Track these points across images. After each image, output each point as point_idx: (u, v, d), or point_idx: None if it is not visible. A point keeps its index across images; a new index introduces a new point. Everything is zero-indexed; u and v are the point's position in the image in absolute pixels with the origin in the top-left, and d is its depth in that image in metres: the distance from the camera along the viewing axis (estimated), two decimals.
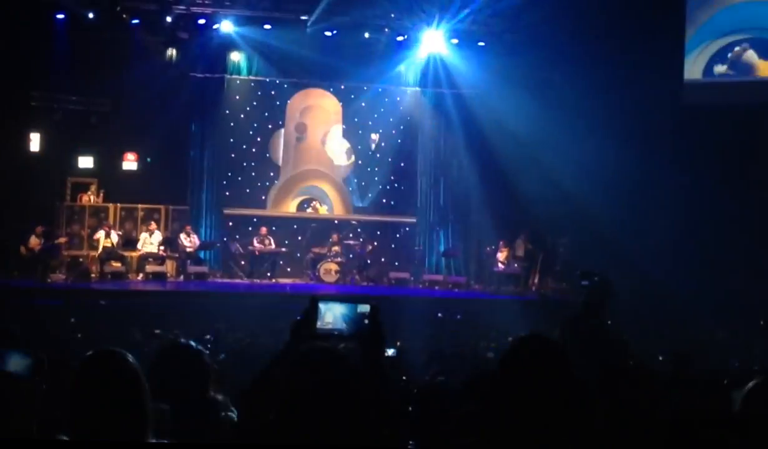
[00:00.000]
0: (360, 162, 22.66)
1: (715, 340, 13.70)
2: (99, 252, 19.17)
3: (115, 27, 19.84)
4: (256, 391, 3.32)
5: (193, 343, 4.19)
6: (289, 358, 2.97)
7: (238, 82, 21.74)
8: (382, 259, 22.04)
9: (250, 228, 21.40)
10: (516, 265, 20.19)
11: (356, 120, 22.60)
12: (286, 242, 21.42)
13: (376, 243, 21.72)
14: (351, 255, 20.93)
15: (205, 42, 20.63)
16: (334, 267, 20.38)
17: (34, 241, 18.21)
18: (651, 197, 18.51)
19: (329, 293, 17.44)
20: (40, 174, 20.15)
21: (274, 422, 2.83)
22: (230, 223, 21.76)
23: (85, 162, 20.75)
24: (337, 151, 22.68)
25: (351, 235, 21.38)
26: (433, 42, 21.23)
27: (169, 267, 19.90)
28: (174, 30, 20.18)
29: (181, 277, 19.73)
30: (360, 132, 22.67)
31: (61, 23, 19.55)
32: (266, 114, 22.14)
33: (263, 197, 22.24)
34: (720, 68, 19.30)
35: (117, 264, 19.18)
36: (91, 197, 20.49)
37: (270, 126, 22.25)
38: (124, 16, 19.68)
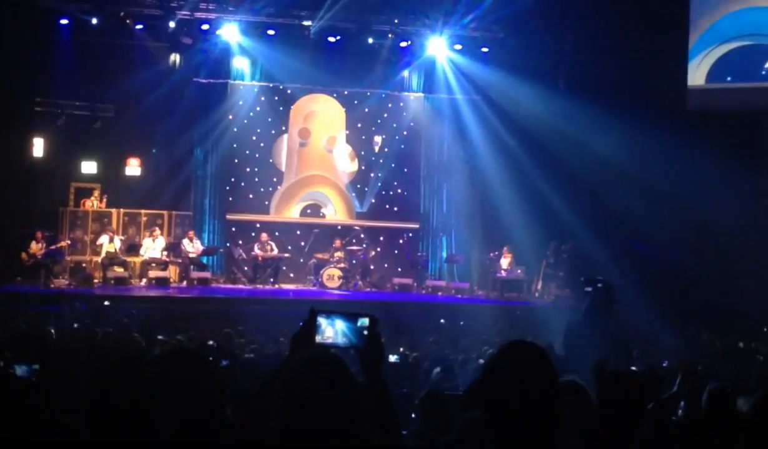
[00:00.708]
0: (363, 167, 22.66)
1: (715, 347, 13.67)
2: (102, 257, 19.17)
3: (119, 33, 19.90)
4: (257, 401, 3.32)
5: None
6: (289, 365, 2.96)
7: (241, 87, 21.75)
8: (385, 265, 22.04)
9: (253, 234, 21.39)
10: (519, 271, 20.18)
11: (360, 126, 22.61)
12: (289, 247, 21.43)
13: (379, 249, 21.70)
14: (354, 261, 20.91)
15: (208, 47, 20.67)
16: (337, 273, 20.35)
17: (35, 247, 18.22)
18: (655, 202, 18.47)
19: (328, 307, 17.37)
20: (44, 179, 20.20)
21: (273, 429, 2.82)
22: (233, 229, 21.77)
23: (89, 167, 20.80)
24: (343, 157, 22.68)
25: (354, 241, 21.36)
26: (437, 48, 21.24)
27: (172, 272, 19.89)
28: (177, 35, 20.21)
29: (184, 283, 19.72)
30: (363, 138, 22.68)
31: (64, 29, 19.59)
32: (269, 119, 22.15)
33: (266, 202, 22.25)
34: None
35: (120, 270, 19.17)
36: (94, 202, 20.50)
37: (273, 131, 22.26)
38: (128, 21, 19.73)
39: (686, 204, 17.84)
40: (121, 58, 20.15)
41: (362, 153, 22.70)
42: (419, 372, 9.06)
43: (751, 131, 19.03)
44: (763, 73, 18.88)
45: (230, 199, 21.83)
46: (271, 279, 20.25)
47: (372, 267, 21.31)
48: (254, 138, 22.04)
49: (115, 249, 19.18)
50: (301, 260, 21.45)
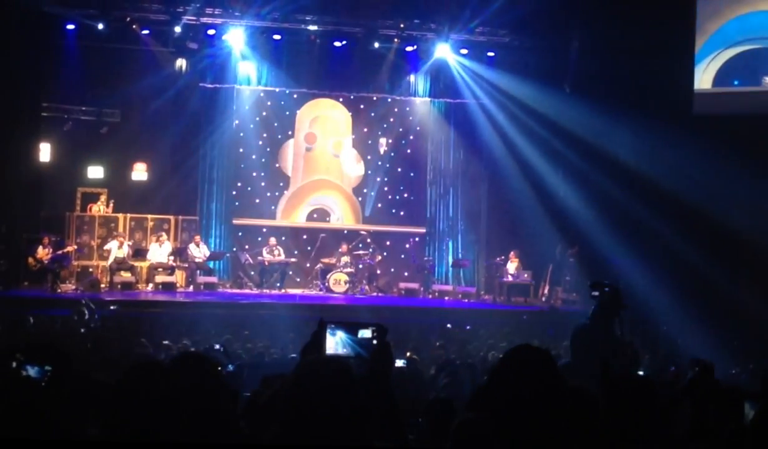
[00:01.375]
0: (369, 172, 22.66)
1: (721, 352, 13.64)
2: (109, 262, 19.19)
3: (125, 38, 19.93)
4: (266, 406, 3.33)
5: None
6: (297, 371, 2.97)
7: (247, 92, 21.77)
8: (392, 270, 22.03)
9: (259, 239, 21.42)
10: (526, 276, 20.16)
11: (366, 130, 22.62)
12: (296, 252, 21.44)
13: (385, 254, 21.70)
14: (360, 266, 20.90)
15: (214, 52, 20.68)
16: (343, 277, 20.36)
17: (42, 252, 18.24)
18: (661, 206, 18.44)
19: (335, 311, 17.40)
20: (50, 184, 20.28)
21: (279, 430, 2.83)
22: (240, 233, 21.79)
23: (95, 172, 20.83)
24: (349, 161, 22.69)
25: (360, 246, 21.35)
26: (443, 52, 21.21)
27: (179, 277, 19.90)
28: (183, 41, 20.22)
29: (191, 288, 19.73)
30: (369, 142, 22.69)
31: (71, 34, 19.61)
32: (276, 124, 22.17)
33: (273, 207, 22.26)
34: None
35: (127, 275, 19.19)
36: (101, 207, 20.52)
37: (279, 136, 22.28)
38: (134, 27, 19.75)
39: (692, 207, 17.81)
40: (127, 64, 20.18)
41: (368, 157, 22.70)
42: (426, 377, 9.05)
43: (758, 135, 18.98)
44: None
45: (236, 203, 21.85)
46: (278, 284, 20.26)
47: (378, 271, 21.32)
48: (260, 143, 22.06)
49: (123, 255, 19.20)
50: (308, 265, 21.44)
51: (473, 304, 20.04)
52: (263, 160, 22.10)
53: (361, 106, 22.49)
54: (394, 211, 22.71)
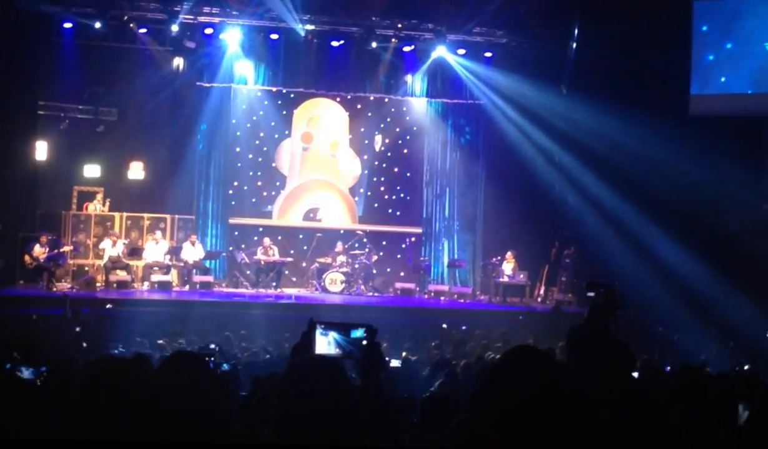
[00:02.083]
0: (366, 172, 22.66)
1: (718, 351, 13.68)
2: (105, 261, 19.18)
3: (122, 37, 19.93)
4: (258, 406, 3.34)
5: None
6: (287, 371, 2.97)
7: (244, 91, 21.75)
8: (388, 270, 22.03)
9: (255, 238, 21.40)
10: (521, 276, 20.18)
11: (362, 130, 22.61)
12: (292, 252, 21.44)
13: (381, 254, 21.69)
14: (356, 266, 20.90)
15: (211, 51, 20.65)
16: (339, 277, 20.37)
17: (38, 250, 18.21)
18: (658, 206, 18.47)
19: (330, 311, 17.40)
20: (47, 182, 20.24)
21: (272, 430, 2.83)
22: (236, 233, 21.78)
23: (92, 171, 20.80)
24: (345, 161, 22.68)
25: (356, 245, 21.35)
26: (440, 52, 21.20)
27: (175, 276, 19.89)
28: (181, 39, 20.19)
29: (187, 287, 19.73)
30: (366, 142, 22.68)
31: (68, 33, 19.59)
32: (272, 123, 22.16)
33: (269, 207, 22.26)
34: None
35: (122, 274, 19.17)
36: (97, 206, 20.50)
37: (276, 135, 22.27)
38: (131, 25, 19.74)
39: (689, 207, 17.84)
40: (124, 62, 20.17)
41: (365, 157, 22.69)
42: (421, 376, 9.06)
43: (754, 137, 19.03)
44: (765, 78, 18.84)
45: (233, 202, 21.85)
46: (274, 284, 20.24)
47: (374, 271, 21.30)
48: (257, 142, 22.05)
49: (118, 253, 19.18)
50: (304, 264, 21.45)
51: (469, 304, 20.05)
52: (260, 159, 22.09)
53: (358, 106, 22.49)
54: (390, 211, 22.71)
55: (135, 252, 19.60)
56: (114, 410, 3.13)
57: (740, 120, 18.75)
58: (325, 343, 3.32)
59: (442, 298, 20.64)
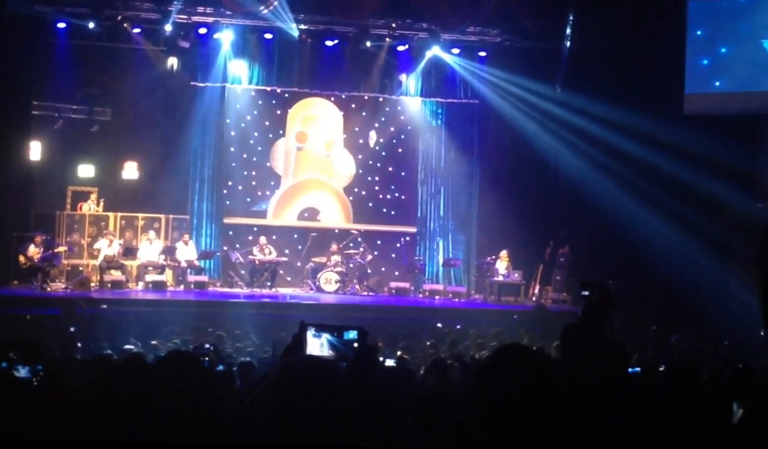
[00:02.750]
0: (360, 171, 22.65)
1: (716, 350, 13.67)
2: (100, 261, 19.15)
3: (116, 36, 19.91)
4: (251, 406, 3.34)
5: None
6: (279, 371, 2.98)
7: (238, 91, 21.74)
8: (382, 269, 22.02)
9: (250, 238, 21.40)
10: (516, 275, 20.19)
11: (357, 129, 22.60)
12: (287, 251, 21.44)
13: (376, 253, 21.70)
14: (351, 265, 20.90)
15: (205, 51, 20.65)
16: (334, 277, 20.36)
17: (32, 250, 18.18)
18: (654, 206, 18.49)
19: (325, 311, 17.40)
20: (41, 182, 20.20)
21: (265, 429, 2.84)
22: (230, 232, 21.77)
23: (86, 171, 20.77)
24: (340, 160, 22.67)
25: (351, 245, 21.35)
26: (434, 52, 21.20)
27: (169, 276, 19.87)
28: (174, 39, 20.18)
29: (181, 287, 19.71)
30: (361, 142, 22.67)
31: (62, 33, 19.56)
32: (267, 123, 22.15)
33: (264, 206, 22.24)
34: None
35: (117, 274, 19.15)
36: (91, 206, 20.46)
37: (271, 135, 22.26)
38: (125, 25, 19.72)
39: (681, 207, 17.87)
40: (118, 62, 20.16)
41: (359, 157, 22.68)
42: (416, 376, 9.05)
43: (748, 135, 19.06)
44: (760, 76, 18.84)
45: (227, 202, 21.84)
46: (268, 283, 20.23)
47: (369, 271, 21.30)
48: (251, 142, 22.03)
49: (114, 253, 19.17)
50: (299, 264, 21.45)
51: (464, 304, 20.07)
52: (254, 159, 22.08)
53: (353, 106, 22.47)
54: (384, 210, 22.70)
55: (129, 252, 19.59)
56: (109, 410, 3.13)
57: (734, 118, 18.78)
58: (318, 345, 3.32)
59: (437, 298, 20.65)
